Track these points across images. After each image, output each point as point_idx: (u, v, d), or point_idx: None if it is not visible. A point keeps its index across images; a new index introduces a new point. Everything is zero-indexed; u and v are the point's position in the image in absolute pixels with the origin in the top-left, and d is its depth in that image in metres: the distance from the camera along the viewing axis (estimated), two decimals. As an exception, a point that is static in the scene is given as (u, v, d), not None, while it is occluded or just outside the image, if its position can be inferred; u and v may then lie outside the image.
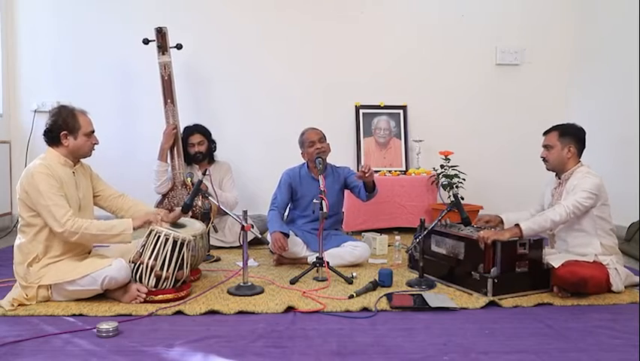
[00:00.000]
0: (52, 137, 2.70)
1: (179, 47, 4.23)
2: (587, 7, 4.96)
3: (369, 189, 3.41)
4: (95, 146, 2.82)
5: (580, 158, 3.05)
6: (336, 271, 3.13)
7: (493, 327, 2.39)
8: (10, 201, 4.78)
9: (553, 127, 3.09)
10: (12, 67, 4.86)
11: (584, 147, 3.05)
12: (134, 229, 2.69)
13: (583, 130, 3.05)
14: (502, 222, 3.21)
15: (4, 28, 4.80)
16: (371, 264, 3.55)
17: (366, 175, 3.22)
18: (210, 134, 4.22)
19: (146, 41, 4.19)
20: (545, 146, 3.08)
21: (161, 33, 4.13)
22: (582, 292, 2.78)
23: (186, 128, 4.18)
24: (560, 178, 3.08)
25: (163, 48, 4.14)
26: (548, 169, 3.12)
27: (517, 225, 2.84)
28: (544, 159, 3.10)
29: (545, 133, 3.11)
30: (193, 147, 4.11)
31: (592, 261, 2.86)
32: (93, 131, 2.78)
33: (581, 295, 2.79)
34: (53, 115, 2.71)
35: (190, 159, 4.15)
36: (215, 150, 4.25)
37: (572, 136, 3.01)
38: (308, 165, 3.62)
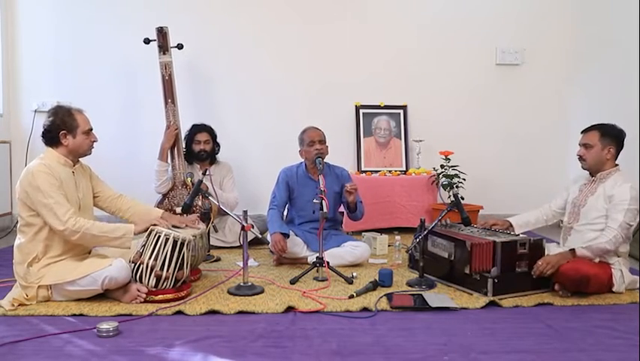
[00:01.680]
0: (51, 137, 2.71)
1: (180, 46, 4.23)
2: (586, 6, 4.96)
3: (351, 209, 3.48)
4: (95, 144, 2.83)
5: (616, 160, 2.99)
6: (337, 271, 3.13)
7: (493, 327, 2.40)
8: (10, 201, 4.78)
9: (594, 126, 3.01)
10: (12, 67, 4.86)
11: (621, 150, 2.99)
12: (135, 233, 2.69)
13: (624, 132, 2.98)
14: (511, 225, 3.20)
15: (4, 27, 4.80)
16: (371, 264, 3.55)
17: (348, 192, 3.34)
18: (216, 136, 4.24)
19: (147, 41, 4.19)
20: (584, 145, 2.99)
21: (162, 33, 4.13)
22: (583, 290, 2.78)
23: (194, 126, 4.20)
24: (593, 176, 3.03)
25: (164, 48, 4.13)
26: (584, 168, 3.04)
27: (571, 250, 2.82)
28: (580, 158, 3.01)
29: (584, 131, 3.04)
30: (199, 144, 4.12)
31: (597, 261, 2.85)
32: (91, 129, 2.79)
33: (582, 295, 2.79)
34: (51, 115, 2.72)
35: (193, 157, 4.16)
36: (218, 153, 4.27)
37: (613, 137, 2.95)
38: (306, 164, 3.62)
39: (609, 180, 2.93)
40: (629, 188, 2.84)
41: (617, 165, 2.99)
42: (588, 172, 3.06)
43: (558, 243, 3.23)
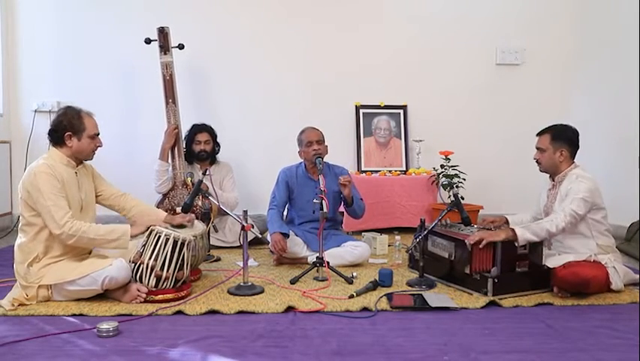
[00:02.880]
0: (57, 137, 2.71)
1: (181, 46, 4.23)
2: (586, 6, 4.96)
3: (347, 203, 3.48)
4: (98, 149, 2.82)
5: (573, 160, 3.03)
6: (337, 271, 3.13)
7: (493, 327, 2.40)
8: (10, 201, 4.77)
9: (546, 129, 3.07)
10: (12, 67, 4.85)
11: (577, 149, 3.04)
12: (132, 236, 2.69)
13: (576, 132, 3.03)
14: (507, 222, 3.21)
15: (4, 27, 4.80)
16: (371, 264, 3.55)
17: (342, 185, 3.35)
18: (217, 136, 4.25)
19: (148, 41, 4.19)
20: (538, 148, 3.07)
21: (163, 33, 4.12)
22: (583, 292, 2.78)
23: (194, 126, 4.20)
24: (553, 180, 3.08)
25: (165, 48, 4.13)
26: (541, 171, 3.12)
27: (512, 229, 2.84)
28: (537, 161, 3.09)
29: (538, 134, 3.10)
30: (199, 144, 4.12)
31: (592, 261, 2.86)
32: (98, 134, 2.79)
33: (581, 295, 2.79)
34: (59, 115, 2.72)
35: (193, 157, 4.16)
36: (218, 153, 4.28)
37: (564, 139, 3.00)
38: (305, 164, 3.62)
39: (565, 181, 2.98)
40: (580, 182, 2.87)
41: (574, 163, 3.03)
42: (548, 175, 3.11)
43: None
